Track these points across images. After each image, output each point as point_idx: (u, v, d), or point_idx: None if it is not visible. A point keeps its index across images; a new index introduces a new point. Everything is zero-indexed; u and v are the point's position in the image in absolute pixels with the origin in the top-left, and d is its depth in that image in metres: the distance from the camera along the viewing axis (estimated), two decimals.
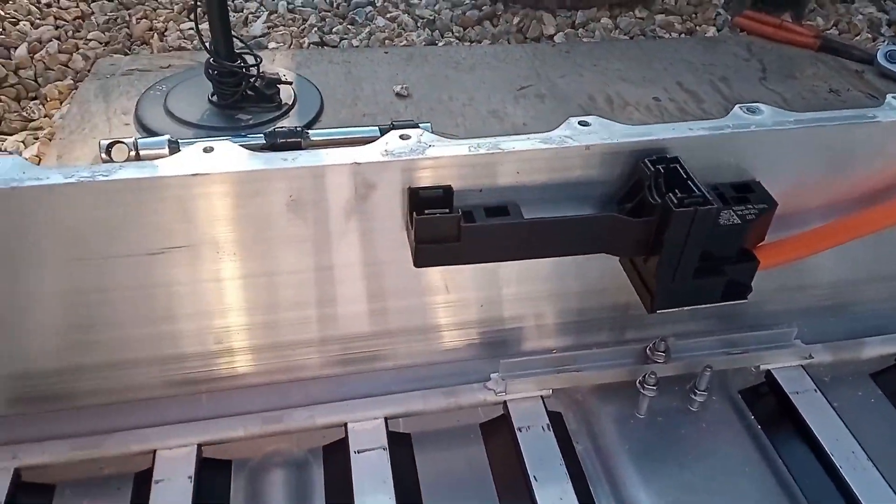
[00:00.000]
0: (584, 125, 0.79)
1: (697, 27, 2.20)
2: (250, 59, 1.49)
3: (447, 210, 0.69)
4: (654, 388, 0.82)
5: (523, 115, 1.65)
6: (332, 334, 0.84)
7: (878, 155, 0.84)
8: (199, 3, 1.44)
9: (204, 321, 0.80)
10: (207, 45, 1.44)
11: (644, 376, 0.83)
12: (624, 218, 0.73)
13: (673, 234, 0.72)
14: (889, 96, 0.84)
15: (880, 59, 1.80)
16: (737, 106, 0.82)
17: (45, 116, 1.62)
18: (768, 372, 0.90)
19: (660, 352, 0.86)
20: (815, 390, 0.86)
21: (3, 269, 0.71)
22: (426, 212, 0.67)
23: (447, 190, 0.71)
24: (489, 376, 0.84)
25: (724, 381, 0.92)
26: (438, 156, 0.72)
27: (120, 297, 0.76)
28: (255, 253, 0.76)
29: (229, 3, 2.14)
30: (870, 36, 2.14)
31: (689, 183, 0.73)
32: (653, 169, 0.75)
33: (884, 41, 2.03)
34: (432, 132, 1.49)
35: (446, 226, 0.69)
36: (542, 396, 0.85)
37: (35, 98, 1.70)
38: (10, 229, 0.69)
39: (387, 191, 0.73)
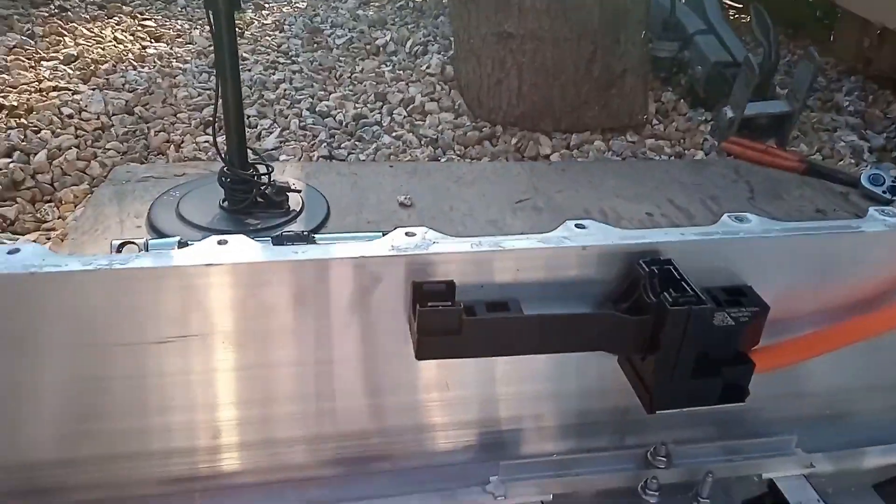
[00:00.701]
0: (580, 228, 0.82)
1: (686, 151, 2.31)
2: (262, 169, 1.56)
3: (449, 303, 0.71)
4: (657, 493, 0.81)
5: (521, 225, 1.71)
6: (330, 431, 0.84)
7: (865, 264, 0.87)
8: (217, 118, 1.53)
9: (204, 414, 0.80)
10: (222, 154, 1.52)
11: (646, 481, 0.82)
12: (621, 316, 0.75)
13: (669, 332, 0.74)
14: (871, 209, 0.89)
15: (864, 181, 1.88)
16: (725, 214, 0.86)
17: (58, 218, 1.67)
18: (771, 481, 0.89)
19: (661, 457, 0.85)
20: (818, 501, 0.85)
21: (12, 353, 0.72)
22: (429, 304, 0.69)
23: (450, 284, 0.73)
24: (489, 479, 0.83)
25: (728, 490, 0.90)
26: (442, 251, 0.75)
27: (123, 386, 0.76)
28: (260, 344, 0.77)
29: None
30: (853, 161, 2.25)
31: (683, 283, 0.76)
32: (647, 270, 0.77)
33: (867, 166, 2.13)
34: None
35: (448, 318, 0.70)
36: (542, 502, 0.83)
37: (50, 201, 1.76)
38: (26, 314, 0.71)
39: (391, 284, 0.75)
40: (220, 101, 1.49)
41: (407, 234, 0.78)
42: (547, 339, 0.75)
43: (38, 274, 0.68)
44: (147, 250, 1.35)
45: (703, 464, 0.85)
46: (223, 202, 1.57)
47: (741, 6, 4.24)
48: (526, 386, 0.87)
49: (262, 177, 1.55)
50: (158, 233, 1.48)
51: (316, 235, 1.49)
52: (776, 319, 0.83)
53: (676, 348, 0.74)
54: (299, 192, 1.65)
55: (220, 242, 0.73)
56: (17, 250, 0.72)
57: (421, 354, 0.73)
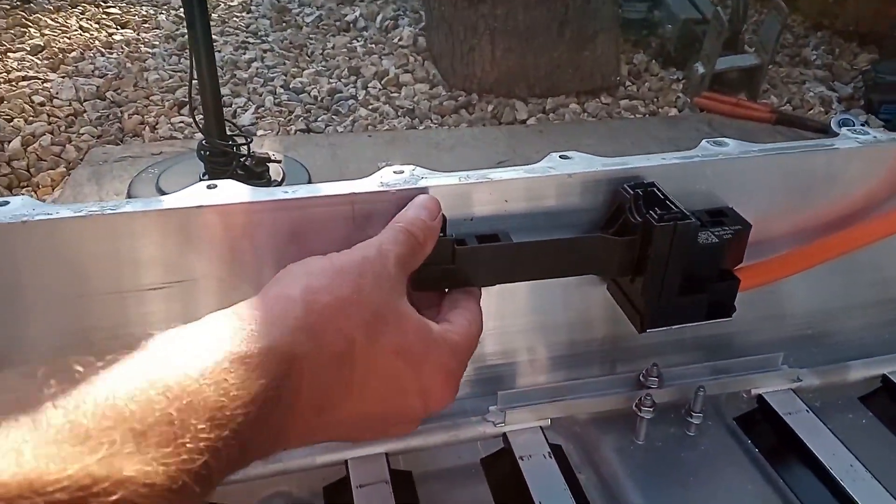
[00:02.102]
0: (565, 158, 0.83)
1: (660, 109, 2.34)
2: (241, 141, 1.56)
3: (441, 234, 0.72)
4: (651, 409, 0.83)
5: None
6: None
7: (840, 181, 0.89)
8: (193, 97, 1.53)
9: None
10: (200, 126, 1.51)
11: (640, 399, 0.84)
12: (609, 237, 0.77)
13: (656, 249, 0.76)
14: (844, 128, 0.91)
15: (834, 127, 1.92)
16: (704, 140, 0.87)
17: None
18: (760, 396, 0.91)
19: (653, 377, 0.87)
20: (808, 411, 0.88)
21: (3, 304, 0.72)
22: None
23: (440, 218, 0.74)
24: (488, 409, 0.85)
25: (719, 409, 0.92)
26: (431, 185, 0.76)
27: (120, 335, 0.77)
28: (254, 286, 0.78)
29: None
30: (822, 110, 2.29)
31: (668, 202, 0.77)
32: (632, 192, 0.79)
33: (836, 113, 2.17)
34: None
35: (441, 249, 0.72)
36: (541, 427, 0.85)
37: (28, 186, 1.74)
38: (18, 263, 0.71)
39: (382, 220, 0.76)
40: (194, 76, 1.48)
41: (395, 171, 0.79)
42: (538, 264, 0.76)
43: (29, 223, 0.67)
44: None
45: (694, 382, 0.88)
46: (203, 175, 1.56)
47: None
48: (516, 320, 0.88)
49: (241, 147, 1.55)
50: None
51: None
52: (758, 240, 0.85)
53: (664, 265, 0.75)
54: (279, 162, 1.65)
55: (209, 186, 0.74)
56: (7, 202, 0.71)
57: (417, 286, 0.74)
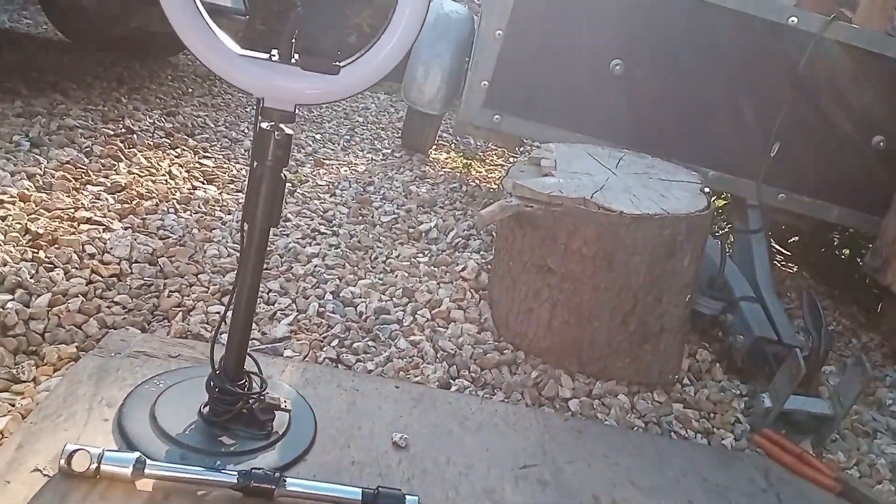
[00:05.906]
0: None
1: (715, 429, 2.14)
2: (255, 386, 1.44)
3: None
4: None
5: (521, 502, 1.52)
6: None
7: None
8: (226, 311, 1.44)
9: None
10: (216, 365, 1.40)
11: None
12: None
13: None
14: None
15: None
16: None
17: (32, 380, 1.55)
18: None
19: None
20: None
21: None
22: None
23: None
24: None
25: None
26: None
27: None
28: None
29: (263, 294, 2.19)
30: (892, 488, 2.04)
31: None
32: None
33: None
34: None
35: None
36: None
37: (35, 353, 1.66)
38: None
39: None
40: (231, 309, 1.41)
41: None
42: None
43: None
44: (100, 463, 1.21)
45: None
46: (204, 408, 1.43)
47: (793, 261, 4.22)
48: None
49: (253, 393, 1.43)
50: (125, 436, 1.34)
51: (288, 479, 1.33)
52: None
53: None
54: (289, 411, 1.51)
55: None
56: None
57: None
